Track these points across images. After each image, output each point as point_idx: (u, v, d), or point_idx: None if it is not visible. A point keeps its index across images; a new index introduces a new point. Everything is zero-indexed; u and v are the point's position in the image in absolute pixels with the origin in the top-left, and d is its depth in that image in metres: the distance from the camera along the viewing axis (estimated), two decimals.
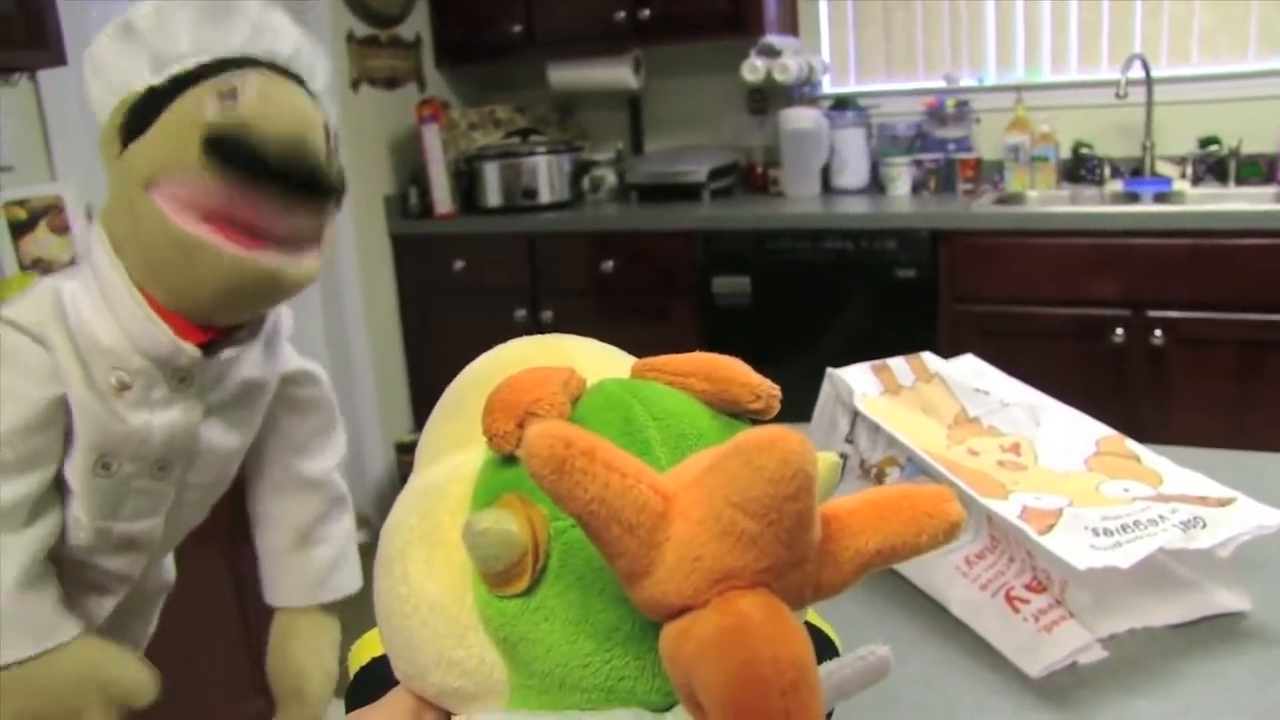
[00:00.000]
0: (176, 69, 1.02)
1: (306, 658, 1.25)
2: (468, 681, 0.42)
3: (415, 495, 0.46)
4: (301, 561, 1.27)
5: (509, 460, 0.42)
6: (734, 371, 0.46)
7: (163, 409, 1.04)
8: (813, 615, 0.56)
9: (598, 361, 0.49)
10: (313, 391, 1.25)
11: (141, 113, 1.00)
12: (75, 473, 1.03)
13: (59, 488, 1.04)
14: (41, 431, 1.00)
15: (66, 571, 1.08)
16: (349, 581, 1.30)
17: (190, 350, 1.02)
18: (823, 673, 0.45)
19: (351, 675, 0.54)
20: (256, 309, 1.08)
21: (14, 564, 0.99)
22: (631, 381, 0.46)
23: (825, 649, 0.53)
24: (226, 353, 1.07)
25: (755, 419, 0.46)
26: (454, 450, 0.46)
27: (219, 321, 1.04)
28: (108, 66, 1.01)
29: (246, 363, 1.11)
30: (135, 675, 1.06)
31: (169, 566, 1.32)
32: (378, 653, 0.50)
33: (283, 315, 1.19)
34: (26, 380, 0.99)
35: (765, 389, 0.46)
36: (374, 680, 0.49)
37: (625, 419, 0.43)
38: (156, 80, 1.01)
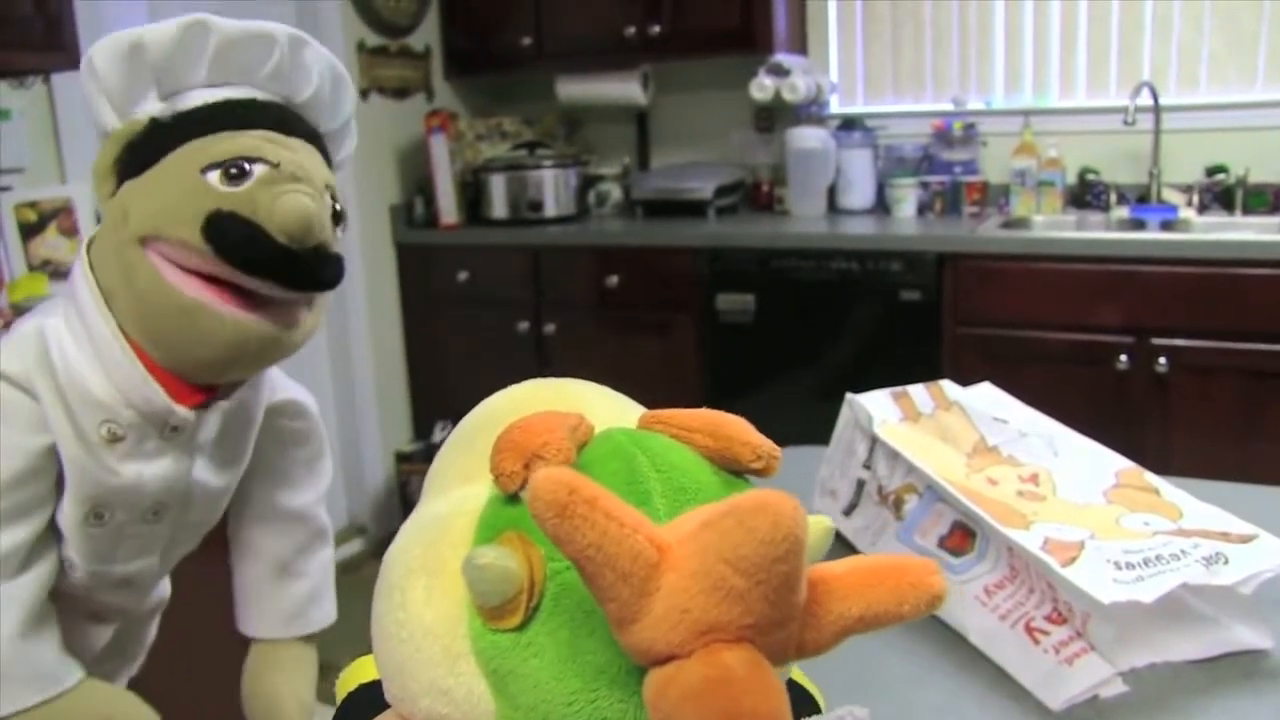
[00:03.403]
0: (184, 106, 0.98)
1: (282, 688, 1.22)
2: (455, 710, 0.43)
3: (420, 526, 0.47)
4: (280, 593, 1.23)
5: (513, 499, 0.43)
6: (737, 430, 0.48)
7: (155, 459, 1.00)
8: (797, 674, 0.57)
9: (608, 410, 0.51)
10: (301, 424, 1.20)
11: (141, 151, 0.96)
12: (67, 522, 1.00)
13: (52, 530, 1.01)
14: (33, 481, 0.97)
15: (65, 604, 1.05)
16: (325, 615, 1.27)
17: (184, 413, 0.98)
18: None
19: (339, 700, 0.56)
20: (256, 369, 1.05)
21: (13, 613, 0.97)
22: (638, 432, 0.48)
23: (806, 706, 0.55)
24: (221, 404, 1.03)
25: (756, 477, 0.48)
26: (462, 484, 0.48)
27: (217, 381, 1.01)
28: (110, 85, 0.96)
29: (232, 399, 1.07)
30: (142, 717, 1.05)
31: (164, 583, 1.29)
32: (366, 679, 0.52)
33: None
34: (14, 431, 0.95)
35: (766, 449, 0.48)
36: (361, 705, 0.51)
37: (629, 469, 0.44)
38: (161, 115, 0.97)
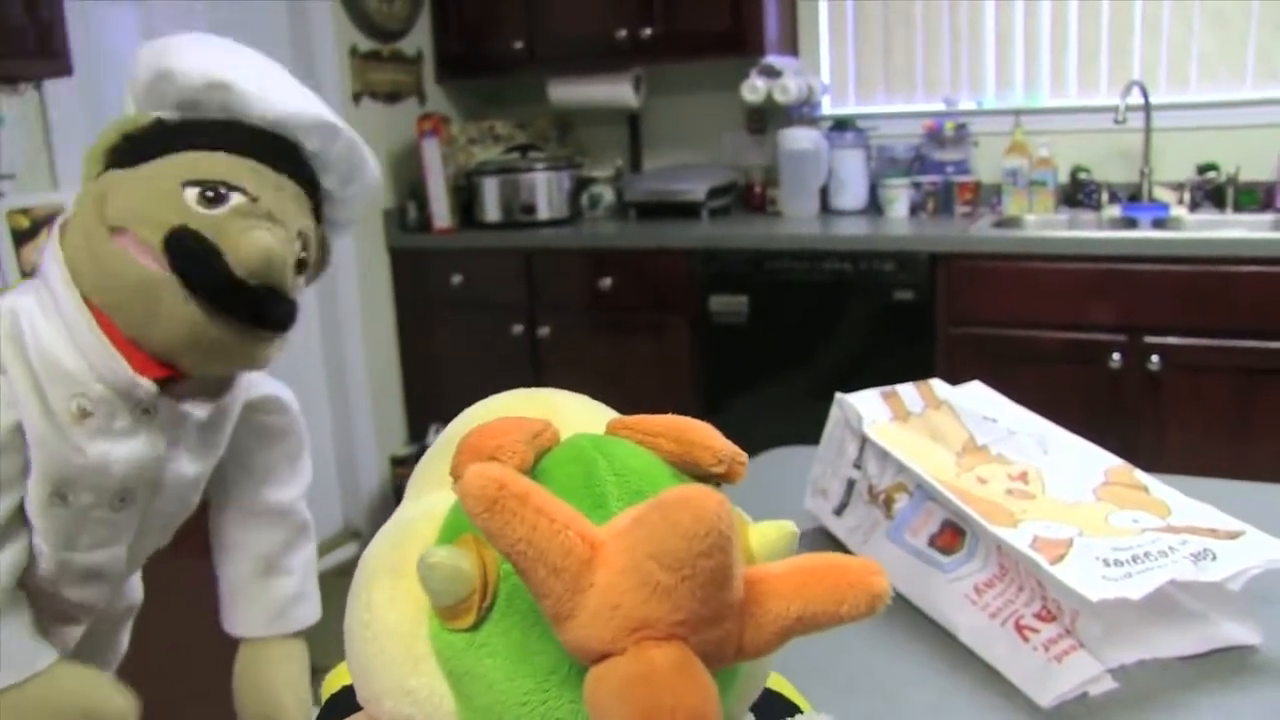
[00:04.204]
0: (193, 117, 1.00)
1: (280, 684, 1.22)
2: (418, 710, 0.44)
3: (390, 529, 0.48)
4: (265, 591, 1.24)
5: None
6: (700, 435, 0.48)
7: (125, 440, 1.00)
8: (782, 684, 0.57)
9: (580, 417, 0.52)
10: (280, 419, 1.21)
11: (138, 144, 0.98)
12: (32, 503, 1.00)
13: (23, 516, 1.01)
14: (3, 457, 0.97)
15: (33, 602, 1.05)
16: (310, 614, 1.27)
17: (147, 385, 0.98)
18: None
19: (323, 701, 0.56)
20: (212, 368, 1.04)
21: None
22: (603, 437, 0.48)
23: (782, 710, 0.55)
24: (188, 405, 1.03)
25: (720, 482, 0.48)
26: (434, 489, 0.49)
27: (175, 364, 1.00)
28: (136, 84, 1.00)
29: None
30: (117, 702, 1.04)
31: (135, 585, 1.29)
32: (350, 681, 0.53)
33: None
34: None
35: (728, 454, 0.47)
36: (343, 707, 0.51)
37: (587, 472, 0.45)
38: (168, 118, 1.00)
